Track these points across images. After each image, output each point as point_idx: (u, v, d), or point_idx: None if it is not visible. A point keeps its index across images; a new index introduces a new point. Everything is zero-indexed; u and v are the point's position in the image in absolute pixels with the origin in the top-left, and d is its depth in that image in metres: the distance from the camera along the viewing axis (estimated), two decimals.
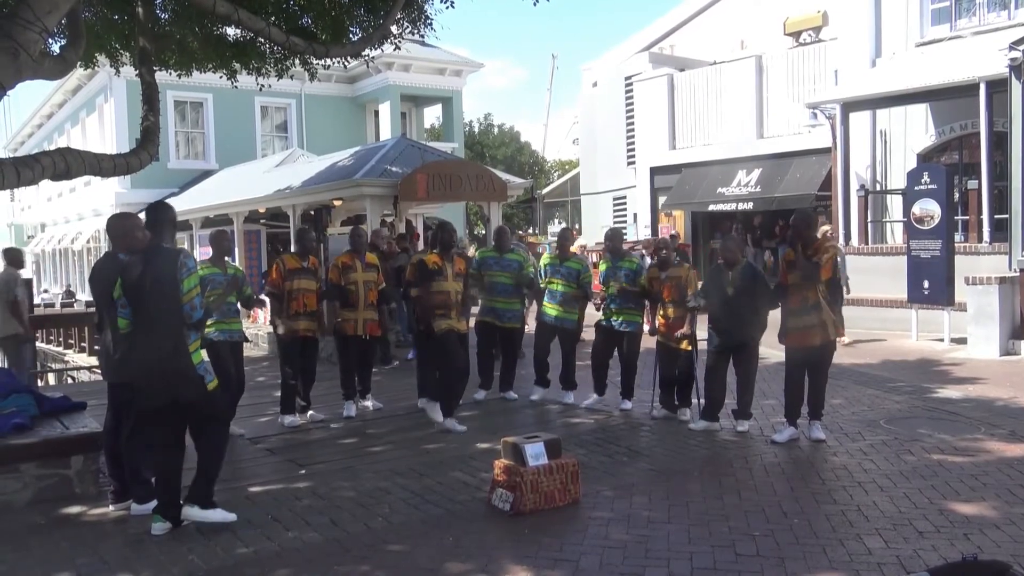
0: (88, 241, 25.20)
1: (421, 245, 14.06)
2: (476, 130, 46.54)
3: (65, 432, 5.66)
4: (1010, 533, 4.50)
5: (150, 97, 8.15)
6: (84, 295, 23.76)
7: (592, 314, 8.09)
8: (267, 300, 8.06)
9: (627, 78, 23.82)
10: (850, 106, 15.15)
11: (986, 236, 12.90)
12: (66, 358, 17.60)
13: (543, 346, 8.21)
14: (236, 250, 14.65)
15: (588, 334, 8.25)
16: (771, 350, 8.43)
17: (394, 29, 10.04)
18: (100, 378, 8.27)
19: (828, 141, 16.31)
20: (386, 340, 10.49)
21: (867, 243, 15.14)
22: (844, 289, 11.78)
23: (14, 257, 9.74)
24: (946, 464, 5.80)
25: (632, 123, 23.64)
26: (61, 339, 18.49)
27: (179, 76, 10.76)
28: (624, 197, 24.73)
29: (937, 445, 6.29)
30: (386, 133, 23.94)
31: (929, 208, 11.77)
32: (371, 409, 8.07)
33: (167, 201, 5.63)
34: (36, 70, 6.13)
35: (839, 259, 11.55)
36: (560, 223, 33.98)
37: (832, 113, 15.62)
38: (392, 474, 5.83)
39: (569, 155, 47.51)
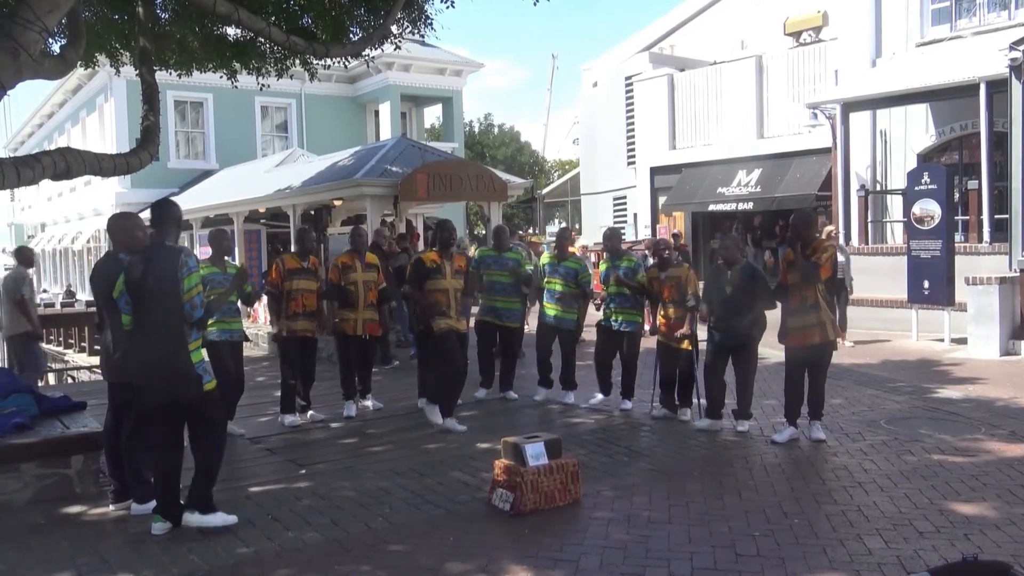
0: (88, 241, 25.20)
1: (421, 245, 14.06)
2: (476, 130, 46.54)
3: (65, 432, 5.66)
4: (1010, 533, 4.50)
5: (150, 97, 8.15)
6: (84, 295, 23.76)
7: (594, 314, 8.09)
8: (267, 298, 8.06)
9: (627, 78, 23.83)
10: (850, 106, 15.14)
11: (986, 236, 12.90)
12: (66, 358, 17.61)
13: (545, 346, 8.22)
14: (236, 250, 14.65)
15: (589, 334, 8.25)
16: (771, 350, 8.43)
17: (394, 29, 10.03)
18: (100, 378, 8.26)
19: (828, 141, 16.31)
20: (386, 340, 10.49)
21: (867, 243, 15.13)
22: (848, 289, 11.81)
23: (25, 256, 9.76)
24: (946, 464, 5.79)
25: (632, 123, 23.65)
26: (61, 339, 18.51)
27: (179, 76, 10.76)
28: (624, 197, 24.73)
29: (937, 445, 6.29)
30: (386, 133, 23.94)
31: (929, 208, 11.76)
32: (371, 409, 8.07)
33: (172, 199, 5.61)
34: (36, 70, 6.13)
35: (844, 259, 11.65)
36: (560, 223, 33.97)
37: (832, 113, 15.62)
38: (392, 474, 5.83)
39: (569, 155, 47.55)
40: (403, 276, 8.54)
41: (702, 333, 7.18)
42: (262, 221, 16.11)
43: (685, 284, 7.22)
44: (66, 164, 6.40)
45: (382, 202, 12.36)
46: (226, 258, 7.29)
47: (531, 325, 8.87)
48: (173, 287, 4.62)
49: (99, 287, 5.15)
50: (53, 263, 31.46)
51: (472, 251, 12.03)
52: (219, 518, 4.76)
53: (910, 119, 15.58)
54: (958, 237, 13.24)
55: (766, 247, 19.99)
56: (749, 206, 19.39)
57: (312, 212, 14.32)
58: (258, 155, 23.24)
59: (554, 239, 8.84)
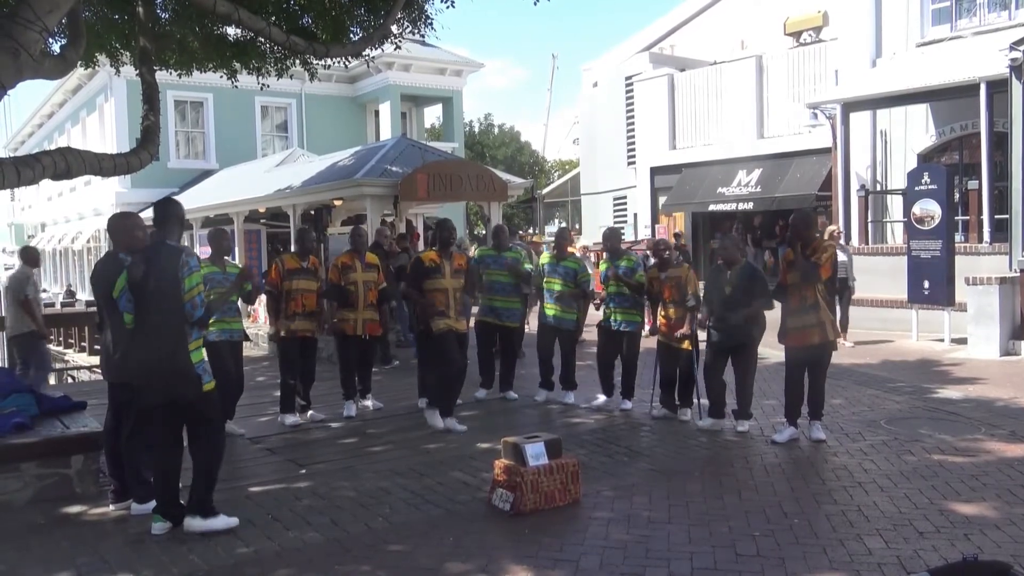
0: (88, 241, 25.20)
1: (421, 245, 14.06)
2: (476, 130, 46.54)
3: (65, 432, 5.66)
4: (1010, 533, 4.50)
5: (150, 97, 8.14)
6: (84, 295, 23.76)
7: (595, 315, 8.09)
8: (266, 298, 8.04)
9: (627, 78, 23.83)
10: (850, 106, 15.15)
11: (986, 236, 12.90)
12: (66, 358, 17.60)
13: (546, 347, 8.21)
14: (236, 250, 14.65)
15: (591, 334, 8.25)
16: (771, 350, 8.43)
17: (394, 29, 10.03)
18: (100, 378, 8.26)
19: (828, 141, 16.32)
20: (386, 340, 10.49)
21: (867, 243, 15.14)
22: (850, 289, 11.80)
23: (30, 255, 9.75)
24: (946, 464, 5.79)
25: (632, 123, 23.65)
26: (61, 339, 18.49)
27: (179, 76, 10.76)
28: (624, 197, 24.74)
29: (937, 445, 6.29)
30: (386, 133, 23.93)
31: (929, 208, 11.77)
32: (371, 409, 8.07)
33: (174, 198, 5.60)
34: (37, 70, 6.13)
35: (847, 259, 11.65)
36: (560, 223, 33.99)
37: (832, 113, 15.62)
38: (392, 474, 5.83)
39: (569, 155, 47.55)
40: (403, 276, 8.54)
41: (702, 333, 7.18)
42: (262, 221, 16.10)
43: (685, 284, 7.22)
44: (66, 164, 6.40)
45: (382, 202, 12.36)
46: (226, 258, 7.28)
47: (532, 326, 8.87)
48: (174, 286, 4.61)
49: (99, 287, 5.15)
50: (53, 263, 31.46)
51: (472, 251, 12.04)
52: (221, 521, 4.74)
53: (910, 119, 15.58)
54: (958, 237, 13.24)
55: (766, 247, 20.01)
56: (749, 206, 19.39)
57: (312, 212, 14.32)
58: (258, 155, 23.24)
59: (553, 239, 8.84)
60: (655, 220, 22.28)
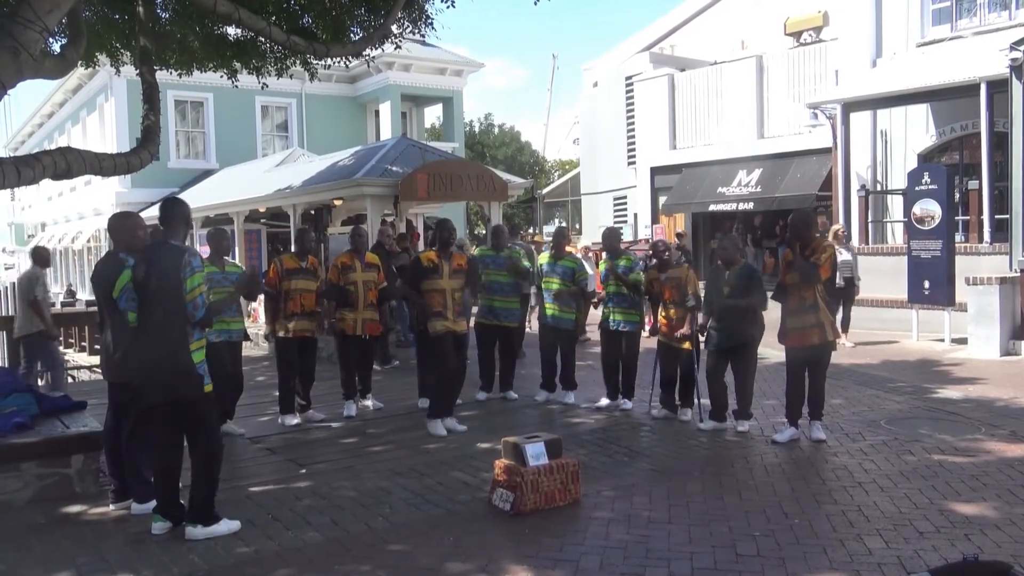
0: (89, 240, 25.20)
1: (421, 245, 14.06)
2: (476, 130, 46.53)
3: (65, 431, 5.66)
4: (1011, 533, 4.50)
5: (151, 96, 8.14)
6: (85, 294, 23.75)
7: (596, 315, 8.08)
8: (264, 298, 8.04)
9: (627, 78, 23.82)
10: (851, 106, 15.14)
11: (986, 236, 12.90)
12: (66, 358, 17.58)
13: (548, 347, 8.21)
14: (236, 250, 14.65)
15: (593, 334, 8.24)
16: (771, 350, 8.44)
17: (395, 29, 10.04)
18: (100, 378, 8.26)
19: (829, 141, 16.31)
20: (386, 340, 10.49)
21: (867, 243, 15.13)
22: (856, 289, 11.80)
23: (41, 256, 9.74)
24: (947, 464, 5.79)
25: (632, 123, 23.64)
26: (61, 339, 18.47)
27: (179, 75, 10.76)
28: (624, 197, 24.73)
29: (937, 445, 6.29)
30: (386, 133, 23.93)
31: (930, 208, 11.76)
32: (371, 409, 8.07)
33: (180, 197, 5.60)
34: (37, 69, 6.13)
35: (852, 258, 11.65)
36: (560, 223, 33.97)
37: (833, 113, 15.62)
38: (392, 474, 5.83)
39: (569, 155, 47.55)
40: (403, 276, 8.53)
41: (703, 335, 7.18)
42: (262, 221, 16.10)
43: (685, 284, 7.22)
44: (66, 163, 6.40)
45: (382, 202, 12.36)
46: (225, 258, 7.28)
47: (533, 327, 8.86)
48: (176, 286, 4.61)
49: (99, 287, 5.15)
50: (53, 263, 31.46)
51: (472, 251, 12.04)
52: (223, 526, 4.71)
53: (910, 119, 15.58)
54: (958, 237, 13.24)
55: (766, 247, 19.99)
56: (749, 206, 19.38)
57: (312, 212, 14.32)
58: (258, 155, 23.24)
59: (551, 239, 8.84)
60: (655, 220, 22.28)
